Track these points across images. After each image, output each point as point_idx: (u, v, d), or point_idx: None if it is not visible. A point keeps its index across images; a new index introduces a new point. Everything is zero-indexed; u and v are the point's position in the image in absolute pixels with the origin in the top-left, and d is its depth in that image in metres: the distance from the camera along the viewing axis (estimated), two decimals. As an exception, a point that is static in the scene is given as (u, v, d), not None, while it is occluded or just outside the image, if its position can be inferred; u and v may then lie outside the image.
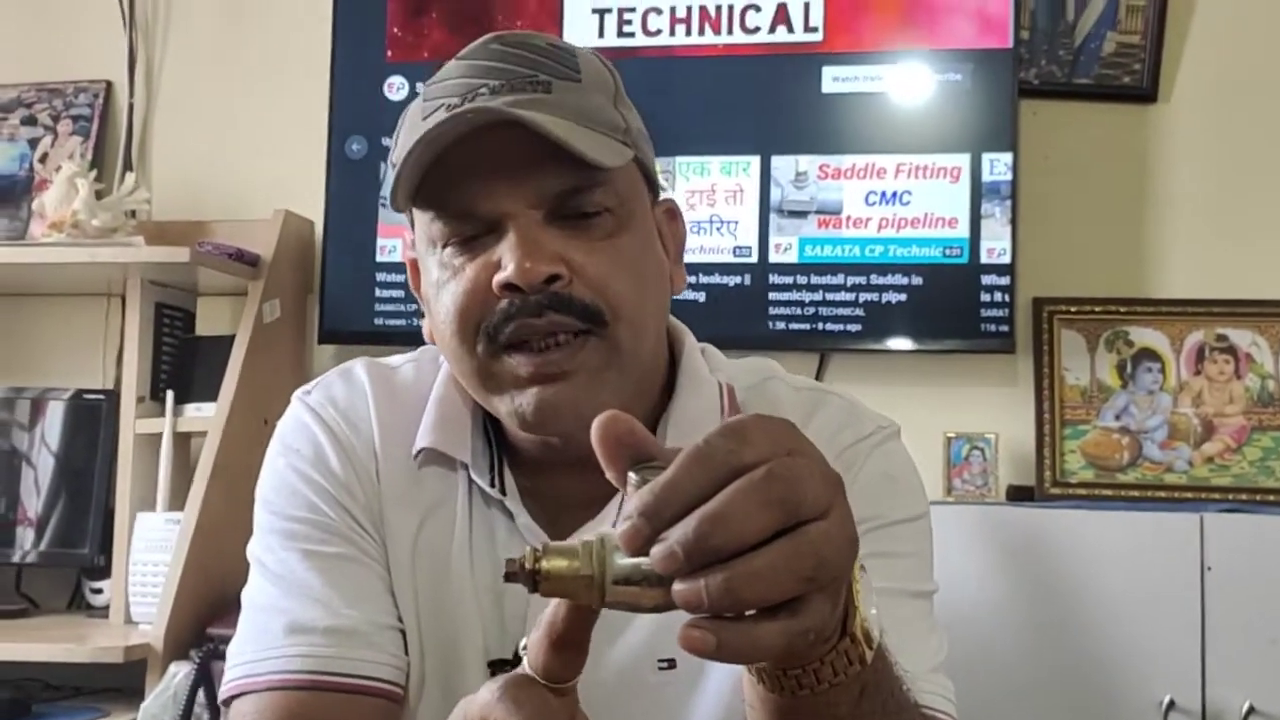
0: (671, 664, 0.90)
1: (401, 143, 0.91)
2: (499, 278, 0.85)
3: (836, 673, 0.60)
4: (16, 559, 2.27)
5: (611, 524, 0.88)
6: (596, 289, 0.87)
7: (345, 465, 0.96)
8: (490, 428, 0.96)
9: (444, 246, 0.89)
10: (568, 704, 0.62)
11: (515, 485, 0.94)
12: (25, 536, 2.26)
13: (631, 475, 0.58)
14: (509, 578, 0.57)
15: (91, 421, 2.27)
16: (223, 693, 0.93)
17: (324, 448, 0.96)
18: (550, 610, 0.60)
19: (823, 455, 0.58)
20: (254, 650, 0.91)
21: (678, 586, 0.54)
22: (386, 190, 0.91)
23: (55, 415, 2.31)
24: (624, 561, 0.56)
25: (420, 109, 0.90)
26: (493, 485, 0.94)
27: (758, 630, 0.55)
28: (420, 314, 0.97)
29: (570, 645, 0.60)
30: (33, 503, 2.27)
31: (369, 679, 0.89)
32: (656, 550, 0.54)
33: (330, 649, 0.89)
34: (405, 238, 0.99)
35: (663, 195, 0.98)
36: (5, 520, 2.26)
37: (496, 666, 0.91)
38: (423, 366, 1.01)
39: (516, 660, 0.86)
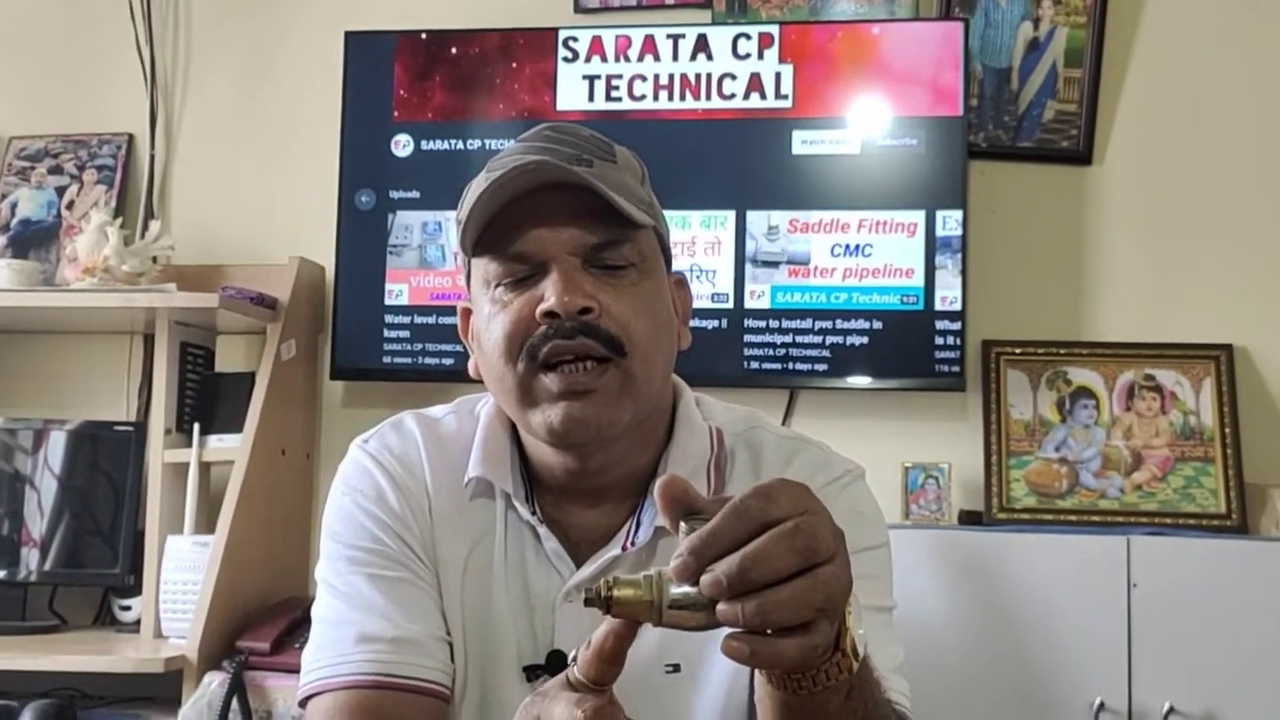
0: (676, 668, 1.04)
1: (468, 201, 1.03)
2: (542, 307, 0.98)
3: (830, 678, 0.73)
4: (44, 578, 2.33)
5: (620, 549, 1.04)
6: (620, 324, 0.99)
7: (402, 502, 1.07)
8: (523, 464, 1.09)
9: (497, 286, 1.02)
10: (606, 698, 0.79)
11: (544, 515, 1.06)
12: (55, 557, 2.33)
13: (683, 524, 0.71)
14: (588, 602, 0.71)
15: (120, 452, 2.34)
16: (300, 692, 1.04)
17: (383, 487, 1.08)
18: (600, 634, 0.74)
19: (829, 513, 0.71)
20: (329, 656, 1.02)
21: (721, 608, 0.67)
22: (455, 243, 1.08)
23: (86, 446, 2.38)
24: (677, 591, 0.69)
25: (483, 178, 1.02)
26: (533, 514, 1.06)
27: (780, 644, 0.68)
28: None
29: (615, 660, 0.76)
30: (62, 526, 2.34)
31: (427, 681, 1.01)
32: (706, 579, 0.67)
33: (394, 655, 1.00)
34: (459, 304, 1.13)
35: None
36: (37, 543, 2.33)
37: (529, 671, 1.05)
38: (462, 416, 1.14)
39: (548, 665, 1.05)
